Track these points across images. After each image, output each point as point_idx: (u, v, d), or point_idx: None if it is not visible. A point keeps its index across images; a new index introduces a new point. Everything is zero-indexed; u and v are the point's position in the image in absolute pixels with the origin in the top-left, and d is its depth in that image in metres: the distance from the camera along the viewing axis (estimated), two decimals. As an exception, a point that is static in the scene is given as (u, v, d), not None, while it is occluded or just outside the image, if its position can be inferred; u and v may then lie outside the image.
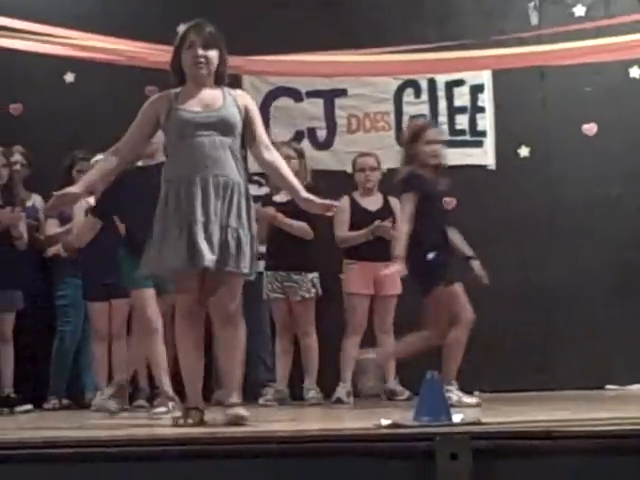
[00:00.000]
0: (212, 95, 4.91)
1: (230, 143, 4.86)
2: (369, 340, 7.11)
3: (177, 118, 4.86)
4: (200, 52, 4.88)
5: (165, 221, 4.84)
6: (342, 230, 7.11)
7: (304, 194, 4.97)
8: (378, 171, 7.24)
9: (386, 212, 7.14)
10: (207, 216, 4.76)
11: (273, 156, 4.99)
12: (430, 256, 6.05)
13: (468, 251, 6.26)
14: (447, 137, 7.75)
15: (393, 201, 7.17)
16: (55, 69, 7.62)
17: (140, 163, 6.03)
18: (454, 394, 5.86)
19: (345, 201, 7.15)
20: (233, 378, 4.96)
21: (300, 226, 6.91)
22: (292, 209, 6.54)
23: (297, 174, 6.68)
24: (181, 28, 5.01)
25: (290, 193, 5.13)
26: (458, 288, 6.04)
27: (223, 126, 4.85)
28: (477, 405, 5.84)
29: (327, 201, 5.02)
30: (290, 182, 4.99)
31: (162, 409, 5.82)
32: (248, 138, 4.97)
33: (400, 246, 6.01)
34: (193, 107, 4.87)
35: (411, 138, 6.24)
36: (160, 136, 5.25)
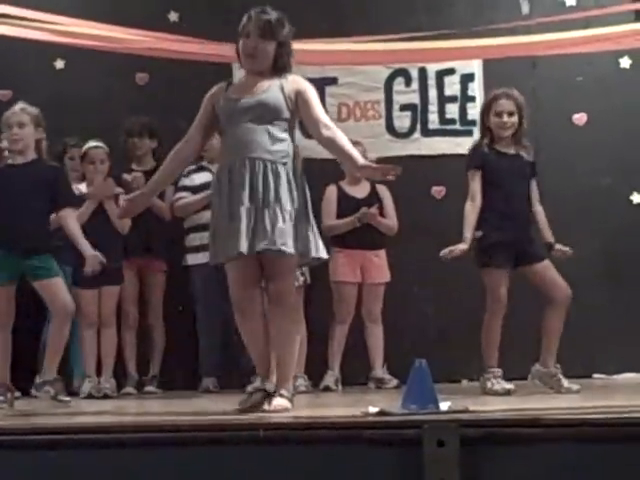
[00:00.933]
0: (261, 83, 4.89)
1: (268, 128, 4.82)
2: (357, 328, 7.13)
3: (223, 107, 4.89)
4: (251, 43, 4.86)
5: (215, 209, 4.91)
6: (329, 219, 7.11)
7: (361, 161, 4.91)
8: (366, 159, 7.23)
9: (373, 199, 7.15)
10: (253, 201, 4.74)
11: (332, 132, 4.89)
12: (477, 234, 6.03)
13: (550, 237, 6.21)
14: (437, 126, 7.80)
15: (380, 188, 7.19)
16: (45, 55, 7.59)
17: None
18: (562, 380, 5.89)
19: (332, 190, 7.16)
20: (286, 367, 4.90)
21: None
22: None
23: None
24: (245, 16, 4.95)
25: (347, 163, 5.06)
26: (505, 274, 5.97)
27: (261, 110, 4.82)
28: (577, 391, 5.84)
29: (384, 165, 4.91)
30: (348, 152, 4.87)
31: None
32: (305, 120, 4.94)
33: (465, 225, 6.00)
34: (237, 94, 4.88)
35: (484, 110, 6.21)
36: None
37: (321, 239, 4.96)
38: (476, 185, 6.09)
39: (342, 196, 7.18)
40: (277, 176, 4.79)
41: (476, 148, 6.23)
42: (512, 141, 6.16)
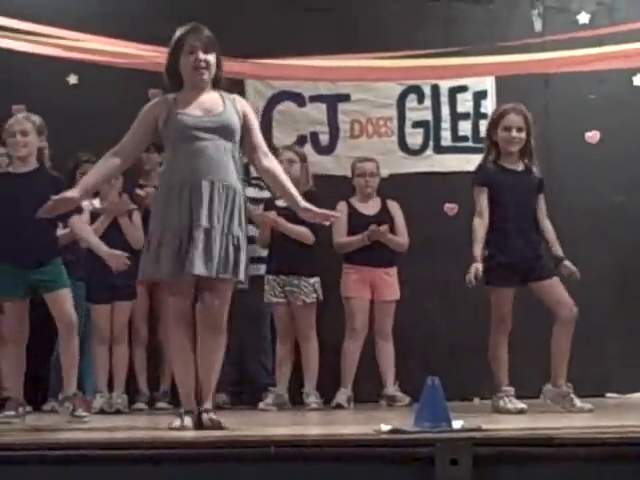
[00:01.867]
0: (211, 99, 4.92)
1: (231, 148, 4.86)
2: (369, 346, 7.10)
3: (178, 122, 4.85)
4: (201, 56, 4.87)
5: (164, 224, 4.83)
6: (339, 235, 7.10)
7: (303, 203, 4.97)
8: (377, 177, 7.24)
9: (384, 216, 7.14)
10: (211, 222, 4.76)
11: (272, 163, 4.99)
12: (483, 254, 6.01)
13: (559, 252, 6.16)
14: (450, 143, 7.79)
15: (391, 205, 7.18)
16: (58, 71, 7.61)
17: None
18: (574, 399, 5.87)
19: (342, 206, 7.15)
20: (211, 384, 4.94)
21: (301, 231, 6.90)
22: (293, 213, 6.54)
23: (299, 179, 6.71)
24: (178, 32, 5.00)
25: (288, 202, 5.12)
26: (511, 293, 5.96)
27: (224, 131, 4.85)
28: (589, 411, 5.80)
29: (326, 211, 5.02)
30: (288, 190, 4.97)
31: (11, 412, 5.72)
32: (246, 145, 4.97)
33: (474, 242, 5.96)
34: (194, 111, 4.87)
35: (491, 124, 6.17)
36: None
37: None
38: (483, 202, 6.07)
39: (352, 213, 7.17)
40: (233, 200, 4.81)
41: (482, 165, 6.20)
42: (519, 157, 6.14)
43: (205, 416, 4.80)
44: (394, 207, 7.22)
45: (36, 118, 5.88)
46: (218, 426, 4.74)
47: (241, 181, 4.92)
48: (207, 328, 4.89)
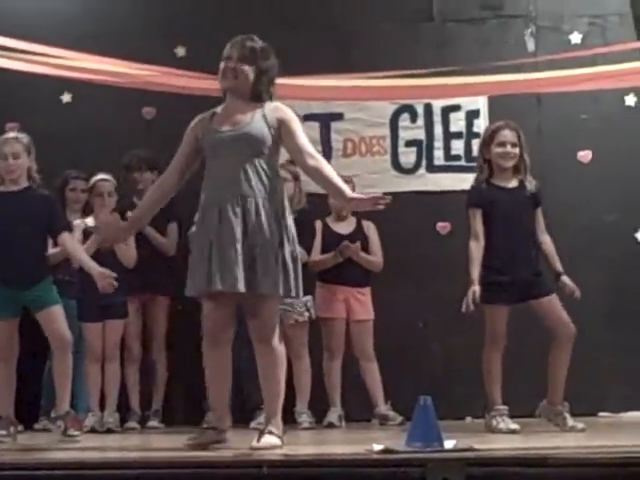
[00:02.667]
0: (244, 112, 4.88)
1: (254, 161, 4.81)
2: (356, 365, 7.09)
3: (209, 139, 4.89)
4: (230, 65, 4.87)
5: (198, 242, 4.89)
6: (313, 254, 7.07)
7: (349, 194, 4.85)
8: None
9: (358, 235, 7.15)
10: (225, 237, 4.74)
11: (318, 163, 4.88)
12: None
13: (557, 267, 6.16)
14: (443, 162, 7.81)
15: (367, 224, 7.18)
16: (52, 89, 7.62)
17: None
18: (567, 418, 5.87)
19: (317, 226, 7.15)
20: (272, 403, 4.89)
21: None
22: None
23: (292, 197, 6.71)
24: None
25: (335, 196, 5.03)
26: (505, 310, 5.94)
27: (247, 143, 4.81)
28: (582, 430, 5.81)
29: (373, 195, 4.87)
30: (335, 184, 4.84)
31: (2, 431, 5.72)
32: (290, 148, 4.91)
33: (471, 266, 5.95)
34: (223, 126, 4.87)
35: (484, 142, 6.16)
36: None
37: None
38: (477, 224, 6.06)
39: (326, 232, 7.17)
40: (257, 213, 4.77)
41: (475, 186, 6.20)
42: (512, 173, 6.14)
43: (265, 439, 4.73)
44: (369, 227, 7.22)
45: (24, 137, 5.89)
46: (269, 448, 4.65)
47: (271, 193, 4.82)
48: (258, 344, 4.89)
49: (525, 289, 5.97)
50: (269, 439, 4.73)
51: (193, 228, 5.35)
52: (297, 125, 4.93)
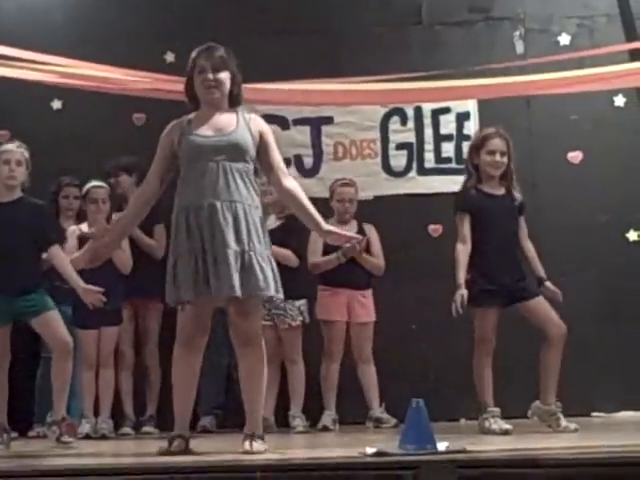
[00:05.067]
0: (226, 119, 4.92)
1: (240, 167, 4.83)
2: (353, 368, 7.10)
3: (188, 143, 4.88)
4: (210, 76, 4.89)
5: (176, 247, 4.86)
6: (315, 256, 7.10)
7: (325, 226, 4.93)
8: (356, 201, 7.23)
9: (365, 237, 7.13)
10: (218, 243, 4.75)
11: (291, 183, 4.95)
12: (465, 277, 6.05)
13: (540, 273, 6.19)
14: (433, 165, 7.83)
15: (368, 228, 7.19)
16: (42, 96, 7.63)
17: None
18: (560, 418, 5.89)
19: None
20: (255, 407, 4.92)
21: (285, 254, 6.89)
22: (278, 236, 6.57)
23: (275, 203, 6.72)
24: (193, 53, 5.03)
25: (309, 224, 5.02)
26: (494, 313, 5.96)
27: (233, 150, 4.84)
28: (575, 430, 5.82)
29: (348, 233, 4.95)
30: (308, 212, 4.92)
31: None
32: (264, 164, 4.95)
33: (458, 269, 5.96)
34: (205, 132, 4.88)
35: (473, 148, 6.18)
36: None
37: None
38: (465, 228, 6.07)
39: None
40: (245, 219, 4.79)
41: (463, 191, 6.22)
42: (499, 181, 6.16)
43: (247, 443, 4.74)
44: (370, 230, 7.23)
45: (25, 150, 5.93)
46: (260, 453, 4.67)
47: (256, 200, 4.87)
48: (243, 346, 4.89)
49: (512, 293, 6.00)
50: (259, 444, 4.74)
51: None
52: (273, 140, 5.01)
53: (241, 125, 4.91)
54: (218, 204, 4.77)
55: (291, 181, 4.98)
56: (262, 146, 4.93)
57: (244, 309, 4.84)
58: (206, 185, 4.80)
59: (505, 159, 6.09)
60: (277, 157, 4.96)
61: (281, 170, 4.95)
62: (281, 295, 4.93)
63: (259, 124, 4.98)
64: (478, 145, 6.14)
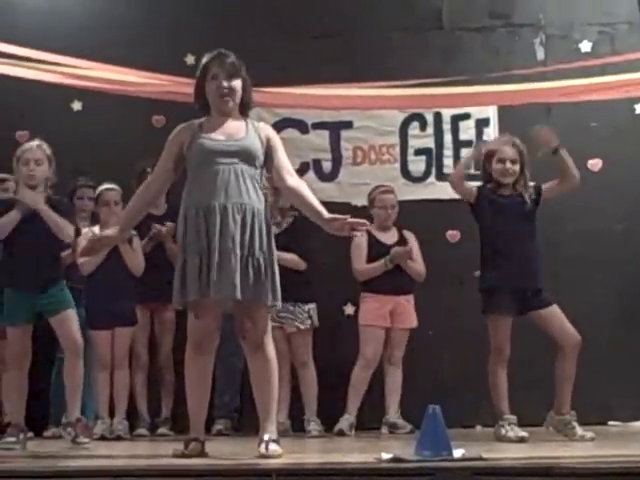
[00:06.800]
0: (236, 125, 4.96)
1: (251, 172, 4.88)
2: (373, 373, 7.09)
3: (199, 145, 4.91)
4: (224, 84, 4.91)
5: (183, 249, 4.88)
6: (359, 263, 7.09)
7: (326, 215, 4.90)
8: (397, 207, 7.23)
9: (402, 245, 7.13)
10: (225, 245, 4.76)
11: (297, 182, 4.99)
12: (476, 274, 6.13)
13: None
14: (452, 170, 7.79)
15: (408, 235, 7.19)
16: (63, 97, 7.66)
17: None
18: (576, 427, 5.88)
19: (362, 236, 7.15)
20: (268, 411, 4.91)
21: (291, 258, 6.89)
22: (283, 241, 6.60)
23: (283, 205, 6.75)
24: (204, 59, 5.03)
25: (313, 217, 5.00)
26: (507, 321, 5.97)
27: (245, 155, 4.88)
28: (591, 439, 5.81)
29: (353, 219, 4.90)
30: (312, 206, 4.93)
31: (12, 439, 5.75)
32: (272, 166, 4.98)
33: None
34: (216, 136, 4.91)
35: (486, 157, 6.24)
36: None
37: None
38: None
39: (372, 242, 7.13)
40: (252, 223, 4.82)
41: (480, 188, 6.26)
42: (512, 188, 6.18)
43: (262, 447, 4.73)
44: (410, 237, 7.22)
45: (47, 147, 5.95)
46: (276, 456, 4.65)
47: (264, 205, 4.91)
48: (252, 349, 4.91)
49: (525, 300, 6.01)
50: (275, 447, 4.73)
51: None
52: (280, 144, 5.05)
53: (251, 132, 4.96)
54: (229, 205, 4.80)
55: (296, 179, 5.02)
56: (270, 149, 4.97)
57: (251, 315, 4.86)
58: (217, 186, 4.82)
59: (516, 167, 6.13)
60: (283, 158, 5.00)
61: (286, 169, 4.98)
62: (279, 303, 4.94)
63: (266, 130, 5.05)
64: (490, 154, 6.19)
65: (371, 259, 7.10)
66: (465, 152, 7.72)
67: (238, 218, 4.80)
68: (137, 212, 5.15)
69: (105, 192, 6.91)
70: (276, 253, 4.97)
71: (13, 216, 5.86)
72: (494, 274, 6.03)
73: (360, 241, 7.03)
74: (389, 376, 7.06)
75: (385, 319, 7.04)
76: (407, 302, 7.12)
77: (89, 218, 7.22)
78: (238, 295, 4.74)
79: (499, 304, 5.96)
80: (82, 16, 8.02)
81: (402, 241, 7.18)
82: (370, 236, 7.15)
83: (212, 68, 4.95)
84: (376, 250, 7.10)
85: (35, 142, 6.00)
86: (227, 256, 4.75)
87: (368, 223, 4.99)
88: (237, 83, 4.94)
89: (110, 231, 5.26)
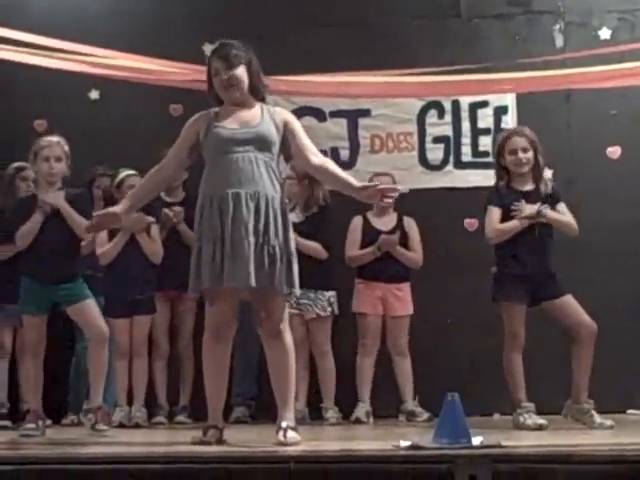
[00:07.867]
0: (250, 113, 4.98)
1: (266, 159, 4.89)
2: (388, 360, 7.09)
3: (215, 135, 4.93)
4: (224, 76, 4.92)
5: (200, 236, 4.89)
6: (352, 249, 7.10)
7: (357, 184, 4.91)
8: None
9: (398, 232, 7.12)
10: (238, 232, 4.77)
11: (321, 159, 5.01)
12: (492, 269, 6.11)
13: None
14: (470, 158, 7.79)
15: (407, 221, 7.17)
16: (80, 86, 7.66)
17: None
18: (595, 415, 5.88)
19: (357, 220, 7.16)
20: (286, 397, 4.93)
21: (313, 247, 6.90)
22: (306, 229, 6.59)
23: (308, 197, 6.74)
24: (209, 54, 5.04)
25: (345, 190, 5.00)
26: (522, 309, 5.97)
27: (259, 142, 4.89)
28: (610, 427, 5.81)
29: (383, 186, 4.92)
30: (342, 179, 4.95)
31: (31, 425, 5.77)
32: (294, 149, 4.99)
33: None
34: (231, 124, 4.94)
35: (498, 150, 6.22)
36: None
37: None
38: (494, 220, 6.10)
39: (367, 227, 7.16)
40: (266, 210, 4.83)
41: (495, 187, 6.23)
42: (531, 177, 6.15)
43: (280, 434, 4.73)
44: (410, 223, 7.21)
45: (65, 143, 6.01)
46: (294, 444, 4.66)
47: (279, 192, 4.91)
48: (269, 337, 4.93)
49: (539, 289, 6.00)
50: (293, 434, 4.74)
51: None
52: (300, 126, 5.05)
53: (265, 118, 4.96)
54: (242, 193, 4.81)
55: (321, 158, 5.02)
56: (289, 133, 4.98)
57: (266, 303, 4.86)
58: (232, 175, 4.85)
59: (529, 154, 6.10)
60: (305, 140, 5.00)
61: (309, 150, 4.98)
62: (297, 291, 4.94)
63: (283, 114, 5.05)
64: (501, 147, 6.19)
65: (364, 245, 7.10)
66: (483, 140, 7.73)
67: (252, 206, 4.81)
68: (145, 193, 5.18)
69: (127, 178, 6.91)
70: (294, 240, 4.97)
71: (35, 220, 5.93)
72: (510, 264, 6.03)
73: (355, 226, 7.07)
74: (397, 367, 7.05)
75: (375, 306, 7.04)
76: (399, 290, 7.09)
77: (106, 206, 7.22)
78: (252, 283, 4.75)
79: (512, 291, 5.97)
80: (101, 4, 8.03)
81: (399, 227, 7.16)
82: (365, 222, 7.15)
83: (213, 64, 5.00)
84: (370, 236, 7.11)
85: (54, 138, 6.03)
86: (240, 244, 4.76)
87: (400, 188, 4.98)
88: (239, 71, 4.95)
89: (115, 207, 5.23)
